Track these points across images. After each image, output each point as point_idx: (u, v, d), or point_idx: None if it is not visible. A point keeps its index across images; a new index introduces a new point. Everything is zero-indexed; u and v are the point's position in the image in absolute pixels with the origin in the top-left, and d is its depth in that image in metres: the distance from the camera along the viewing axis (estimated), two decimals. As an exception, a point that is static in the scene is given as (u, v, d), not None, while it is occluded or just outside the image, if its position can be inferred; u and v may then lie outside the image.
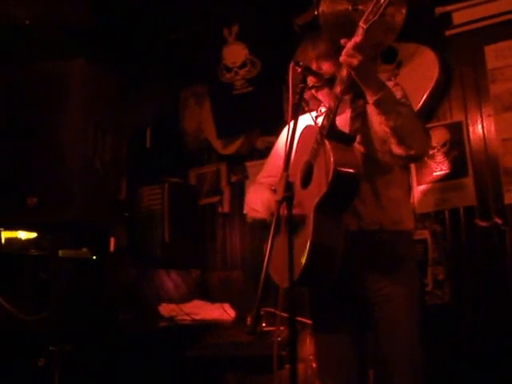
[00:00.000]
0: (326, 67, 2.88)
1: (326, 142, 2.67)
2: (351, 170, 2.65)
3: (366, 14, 2.48)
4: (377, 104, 2.62)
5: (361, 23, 2.50)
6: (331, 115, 2.70)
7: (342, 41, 2.58)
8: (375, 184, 2.86)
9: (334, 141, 2.69)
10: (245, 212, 3.31)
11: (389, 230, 2.84)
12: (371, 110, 2.73)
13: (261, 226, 3.05)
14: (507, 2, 4.53)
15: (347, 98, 2.93)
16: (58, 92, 3.91)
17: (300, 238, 2.64)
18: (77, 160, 3.83)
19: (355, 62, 2.52)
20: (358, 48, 2.51)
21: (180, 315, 4.74)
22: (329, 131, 2.70)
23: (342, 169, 2.61)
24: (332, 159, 2.59)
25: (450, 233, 4.50)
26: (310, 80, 2.87)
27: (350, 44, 2.53)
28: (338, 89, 2.67)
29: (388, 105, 2.62)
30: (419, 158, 2.93)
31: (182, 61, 5.98)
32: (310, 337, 3.80)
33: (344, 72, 2.62)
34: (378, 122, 2.74)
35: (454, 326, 4.33)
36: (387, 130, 2.64)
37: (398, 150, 2.69)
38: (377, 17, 2.45)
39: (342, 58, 2.57)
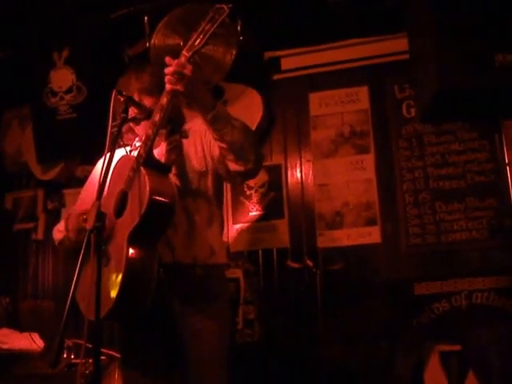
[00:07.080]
0: (148, 102, 2.84)
1: (143, 170, 2.63)
2: (167, 200, 2.63)
3: (190, 42, 2.48)
4: (213, 121, 2.60)
5: (184, 51, 2.49)
6: (149, 143, 2.65)
7: (167, 58, 2.52)
8: (190, 217, 2.86)
9: (151, 169, 2.66)
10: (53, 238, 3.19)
11: (202, 264, 2.84)
12: (208, 130, 2.71)
13: (71, 249, 2.97)
14: (333, 53, 4.77)
15: (163, 132, 2.92)
16: None
17: (112, 270, 2.59)
18: None
19: (181, 86, 2.50)
20: (181, 67, 2.47)
21: (-14, 343, 4.55)
22: (146, 160, 2.66)
23: (158, 197, 2.59)
24: (148, 187, 2.56)
25: (263, 273, 4.60)
26: (132, 111, 2.84)
27: (174, 64, 2.48)
28: (156, 117, 2.64)
29: (223, 120, 2.62)
30: (255, 172, 2.89)
31: (7, 81, 5.76)
32: (118, 370, 3.73)
33: (164, 100, 2.60)
34: (214, 145, 2.76)
35: (263, 364, 4.40)
36: (224, 145, 2.64)
37: (235, 166, 2.70)
38: (200, 46, 2.46)
39: (167, 80, 2.52)
